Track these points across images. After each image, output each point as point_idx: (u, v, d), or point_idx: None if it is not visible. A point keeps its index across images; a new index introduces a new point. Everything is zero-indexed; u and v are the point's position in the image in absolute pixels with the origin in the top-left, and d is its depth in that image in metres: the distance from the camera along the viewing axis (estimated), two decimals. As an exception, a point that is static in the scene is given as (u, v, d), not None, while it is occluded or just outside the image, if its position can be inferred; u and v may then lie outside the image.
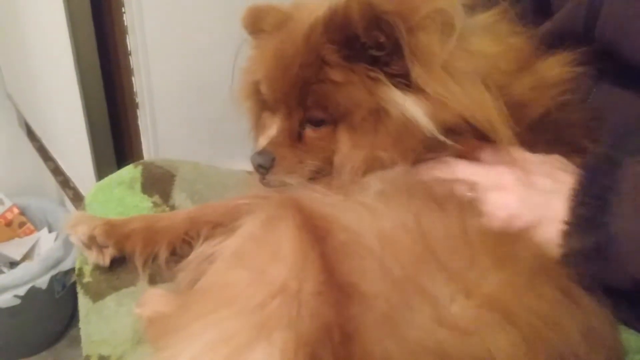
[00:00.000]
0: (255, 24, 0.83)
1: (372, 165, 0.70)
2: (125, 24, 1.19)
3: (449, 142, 0.68)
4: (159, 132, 1.29)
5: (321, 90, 0.71)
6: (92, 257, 0.80)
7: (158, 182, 0.92)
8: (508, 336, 0.57)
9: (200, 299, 0.64)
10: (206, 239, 0.78)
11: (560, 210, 0.68)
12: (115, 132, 1.34)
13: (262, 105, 0.83)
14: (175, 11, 1.22)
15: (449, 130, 0.69)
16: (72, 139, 1.42)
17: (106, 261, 0.80)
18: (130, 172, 0.93)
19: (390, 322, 0.57)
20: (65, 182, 1.64)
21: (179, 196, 0.91)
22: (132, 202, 0.89)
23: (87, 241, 0.78)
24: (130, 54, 1.22)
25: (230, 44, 0.99)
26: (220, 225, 0.77)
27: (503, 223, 0.67)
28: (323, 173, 0.75)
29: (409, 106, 0.68)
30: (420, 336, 0.57)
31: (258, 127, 0.86)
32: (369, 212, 0.65)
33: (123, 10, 1.18)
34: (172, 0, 1.21)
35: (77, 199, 1.57)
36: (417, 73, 0.68)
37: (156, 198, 0.90)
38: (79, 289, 0.85)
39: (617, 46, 0.76)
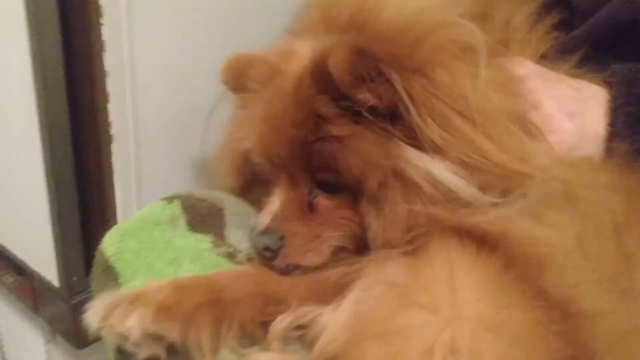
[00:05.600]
0: (238, 79, 0.80)
1: (412, 237, 0.64)
2: (103, 38, 1.04)
3: (499, 201, 0.63)
4: (140, 172, 1.13)
5: (325, 150, 0.67)
6: (145, 354, 0.65)
7: (208, 218, 0.82)
8: None
9: (377, 351, 0.55)
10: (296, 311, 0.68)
11: (597, 124, 0.70)
12: (80, 172, 1.14)
13: (253, 179, 0.79)
14: (165, 24, 1.09)
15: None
16: (19, 181, 1.21)
17: (163, 355, 0.65)
18: (164, 208, 0.83)
19: (624, 343, 0.55)
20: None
21: (234, 235, 0.81)
22: (186, 245, 0.77)
23: (139, 338, 0.63)
24: (106, 76, 1.06)
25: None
26: (307, 301, 0.67)
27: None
28: (346, 248, 0.70)
29: (438, 172, 0.63)
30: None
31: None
32: (551, 220, 0.61)
33: (101, 21, 1.03)
34: (162, 11, 1.08)
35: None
36: (435, 132, 0.63)
37: (211, 236, 0.79)
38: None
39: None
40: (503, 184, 0.63)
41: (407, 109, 0.62)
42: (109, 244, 0.79)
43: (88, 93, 1.09)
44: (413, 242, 0.62)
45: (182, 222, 0.80)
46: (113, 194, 1.14)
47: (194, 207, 0.81)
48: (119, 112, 1.09)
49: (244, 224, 0.81)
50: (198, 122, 1.12)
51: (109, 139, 1.10)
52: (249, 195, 0.82)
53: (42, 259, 1.21)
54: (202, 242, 0.77)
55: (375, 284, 0.60)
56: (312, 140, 0.67)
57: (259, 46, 0.83)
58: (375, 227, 0.65)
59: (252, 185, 0.80)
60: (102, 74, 1.06)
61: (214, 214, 0.81)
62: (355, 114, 0.65)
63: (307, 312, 0.65)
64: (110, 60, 1.06)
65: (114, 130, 1.10)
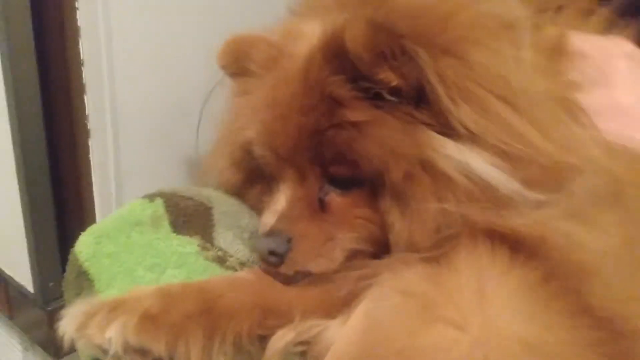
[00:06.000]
0: (238, 63, 0.70)
1: (441, 239, 0.56)
2: (79, 24, 0.99)
3: (544, 198, 0.55)
4: (119, 169, 1.09)
5: (340, 138, 0.59)
6: None
7: (194, 219, 0.74)
8: None
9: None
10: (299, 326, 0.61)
11: None
12: (55, 169, 1.11)
13: (255, 174, 0.71)
14: (145, 9, 1.04)
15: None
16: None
17: None
18: (145, 207, 0.75)
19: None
20: None
21: (224, 237, 0.74)
22: (169, 248, 0.70)
23: (119, 351, 0.56)
24: (82, 64, 1.01)
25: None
26: (312, 314, 0.60)
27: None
28: (363, 251, 0.62)
29: (474, 163, 0.56)
30: None
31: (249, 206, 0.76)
32: (594, 221, 0.54)
33: (76, 5, 0.98)
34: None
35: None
36: (469, 117, 0.55)
37: (198, 239, 0.72)
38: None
39: None
40: (548, 177, 0.55)
41: (436, 91, 0.55)
42: (83, 247, 0.71)
43: (62, 84, 1.06)
44: (440, 245, 0.55)
45: (165, 222, 0.72)
46: (91, 192, 1.10)
47: (178, 206, 0.74)
48: (97, 104, 1.05)
49: (235, 225, 0.73)
50: (182, 114, 1.08)
51: (85, 134, 1.07)
52: (250, 193, 0.74)
53: (16, 263, 1.18)
54: (188, 245, 0.70)
55: (390, 294, 0.52)
56: (325, 128, 0.59)
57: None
58: (400, 227, 0.58)
59: (254, 182, 0.73)
60: (78, 62, 1.02)
61: (200, 213, 0.74)
62: (375, 97, 0.58)
63: (312, 326, 0.57)
64: (86, 47, 1.02)
65: (91, 124, 1.06)
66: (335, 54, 0.58)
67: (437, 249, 0.55)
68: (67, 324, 0.56)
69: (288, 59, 0.64)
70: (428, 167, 0.56)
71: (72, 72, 1.03)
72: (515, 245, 0.51)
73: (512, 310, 0.48)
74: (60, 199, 1.12)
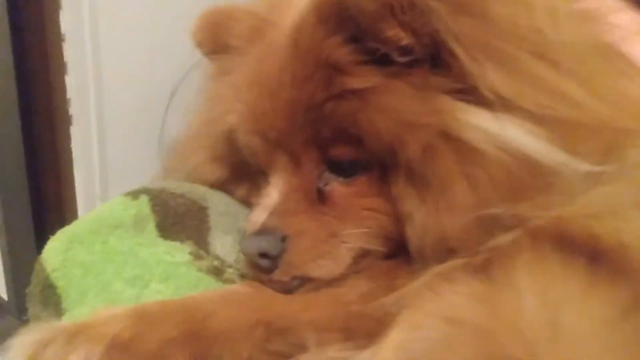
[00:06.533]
0: (217, 38, 0.65)
1: (475, 234, 0.49)
2: None
3: (596, 169, 0.49)
4: (105, 160, 1.02)
5: (341, 111, 0.53)
6: None
7: (186, 220, 0.65)
8: None
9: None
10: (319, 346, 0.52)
11: None
12: (32, 161, 1.05)
13: (240, 170, 0.66)
14: None
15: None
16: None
17: None
18: (127, 206, 0.66)
19: None
20: None
21: (221, 243, 0.64)
22: (154, 257, 0.60)
23: None
24: (63, 40, 0.94)
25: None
26: (326, 332, 0.51)
27: None
28: (374, 251, 0.56)
29: (508, 133, 0.50)
30: None
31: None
32: None
33: None
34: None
35: None
36: (498, 80, 0.50)
37: (190, 245, 0.63)
38: None
39: None
40: (600, 144, 0.49)
41: (454, 52, 0.49)
42: (51, 253, 0.62)
43: (41, 63, 1.01)
44: (487, 247, 0.46)
45: (150, 225, 0.63)
46: (73, 188, 1.05)
47: (167, 205, 0.65)
48: (79, 87, 0.99)
49: (235, 228, 0.65)
50: (175, 99, 1.00)
51: (67, 120, 1.02)
52: (236, 193, 0.68)
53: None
54: (178, 252, 0.61)
55: (429, 322, 0.44)
56: (322, 101, 0.53)
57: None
58: (421, 218, 0.50)
59: (239, 179, 0.67)
60: (58, 38, 0.97)
61: (194, 213, 0.65)
62: (381, 60, 0.51)
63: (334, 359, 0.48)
64: (67, 21, 0.95)
65: (73, 110, 1.01)
66: (331, 12, 0.52)
67: (482, 252, 0.47)
68: (15, 357, 0.47)
69: (274, 29, 0.58)
70: (451, 140, 0.50)
71: (52, 48, 0.97)
72: (594, 256, 0.43)
73: (599, 345, 0.40)
74: (38, 196, 1.06)
